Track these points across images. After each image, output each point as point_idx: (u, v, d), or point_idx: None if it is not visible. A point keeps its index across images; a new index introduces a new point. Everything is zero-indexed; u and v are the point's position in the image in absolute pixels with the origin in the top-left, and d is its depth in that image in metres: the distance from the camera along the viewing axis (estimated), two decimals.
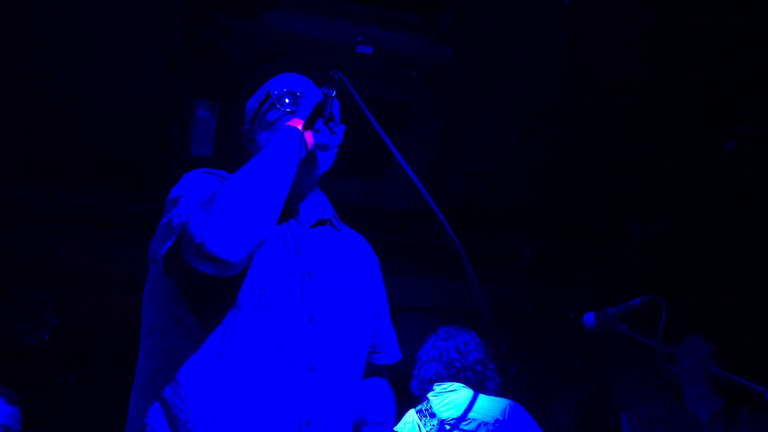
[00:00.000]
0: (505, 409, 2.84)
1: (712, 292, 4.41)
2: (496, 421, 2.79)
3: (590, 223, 4.54)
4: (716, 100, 3.59)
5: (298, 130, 1.60)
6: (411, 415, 3.01)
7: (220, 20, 3.04)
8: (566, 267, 4.73)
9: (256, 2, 2.97)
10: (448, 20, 3.13)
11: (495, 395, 2.99)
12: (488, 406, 2.87)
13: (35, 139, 3.73)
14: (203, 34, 3.10)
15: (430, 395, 3.01)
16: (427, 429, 2.90)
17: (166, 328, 1.58)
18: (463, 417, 2.84)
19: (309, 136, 1.63)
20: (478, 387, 3.01)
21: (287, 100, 1.75)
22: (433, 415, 2.93)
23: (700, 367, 2.89)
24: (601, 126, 3.82)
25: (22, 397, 3.13)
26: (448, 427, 2.85)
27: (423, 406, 3.00)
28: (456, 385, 2.99)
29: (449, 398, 2.95)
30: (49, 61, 3.28)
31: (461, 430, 2.82)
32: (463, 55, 3.26)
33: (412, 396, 3.12)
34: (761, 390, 1.90)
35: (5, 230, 4.03)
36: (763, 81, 3.40)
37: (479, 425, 2.80)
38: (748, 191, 4.06)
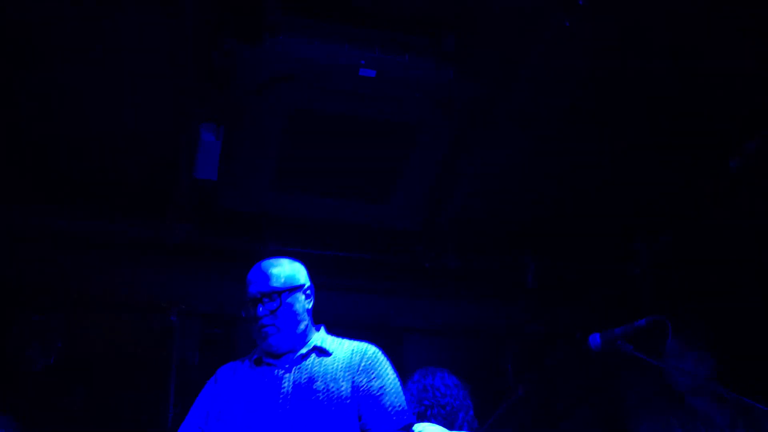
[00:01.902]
0: None
1: (720, 312, 4.39)
2: None
3: (597, 243, 4.53)
4: (722, 117, 3.59)
5: None
6: None
7: (226, 45, 3.08)
8: (573, 286, 4.71)
9: (261, 27, 3.00)
10: (450, 42, 3.15)
11: (468, 420, 3.01)
12: None
13: (40, 162, 3.76)
14: (209, 59, 3.13)
15: None
16: None
17: None
18: None
19: None
20: (449, 418, 3.01)
21: (250, 301, 2.45)
22: None
23: (704, 385, 2.85)
24: (607, 145, 3.82)
25: (24, 421, 3.11)
26: None
27: None
28: (423, 425, 2.98)
29: None
30: (58, 87, 3.32)
31: None
32: (466, 77, 3.28)
33: None
34: (766, 410, 1.89)
35: (11, 254, 4.05)
36: None
37: None
38: (756, 209, 4.05)
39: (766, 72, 3.29)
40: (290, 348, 2.39)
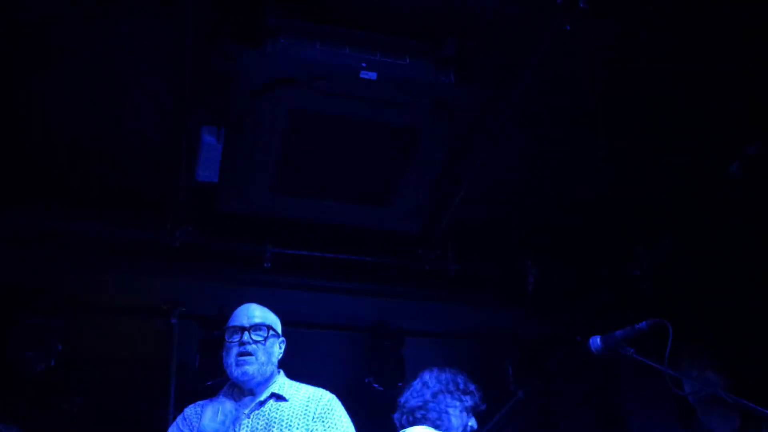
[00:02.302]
0: None
1: (720, 314, 4.38)
2: None
3: (597, 246, 4.52)
4: (723, 121, 3.59)
5: None
6: None
7: (226, 47, 3.08)
8: (573, 289, 4.71)
9: (262, 30, 3.00)
10: (451, 46, 3.15)
11: (462, 414, 2.97)
12: None
13: (40, 165, 3.75)
14: (209, 61, 3.13)
15: None
16: None
17: None
18: None
19: None
20: (440, 419, 2.95)
21: (228, 336, 2.65)
22: None
23: (707, 390, 2.84)
24: (607, 148, 3.82)
25: (26, 423, 3.10)
26: None
27: None
28: (414, 428, 2.94)
29: None
30: (57, 88, 3.32)
31: None
32: (467, 81, 3.28)
33: None
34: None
35: (11, 257, 4.04)
36: None
37: None
38: (756, 213, 4.04)
39: (766, 75, 3.28)
40: (257, 384, 2.56)
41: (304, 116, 3.40)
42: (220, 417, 2.44)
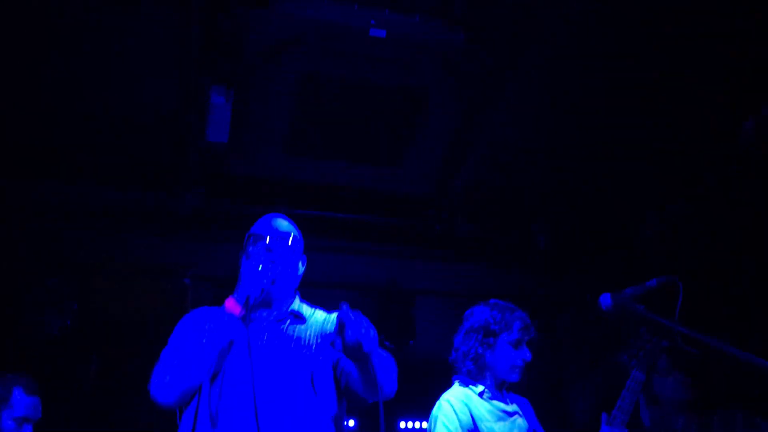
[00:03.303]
0: None
1: (730, 277, 4.38)
2: None
3: (608, 208, 4.52)
4: (735, 82, 3.55)
5: (231, 314, 2.26)
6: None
7: (233, 8, 3.06)
8: (584, 252, 4.72)
9: None
10: (462, 5, 3.11)
11: (473, 368, 2.87)
12: None
13: (52, 132, 3.77)
14: (218, 23, 3.12)
15: None
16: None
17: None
18: None
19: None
20: (456, 372, 2.92)
21: (252, 241, 2.42)
22: None
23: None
24: (619, 110, 3.79)
25: (43, 384, 3.15)
26: None
27: None
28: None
29: None
30: (66, 55, 3.31)
31: None
32: (477, 39, 3.24)
33: None
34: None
35: (27, 223, 4.09)
36: None
37: None
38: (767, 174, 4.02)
39: None
40: (276, 297, 2.38)
41: (313, 76, 3.39)
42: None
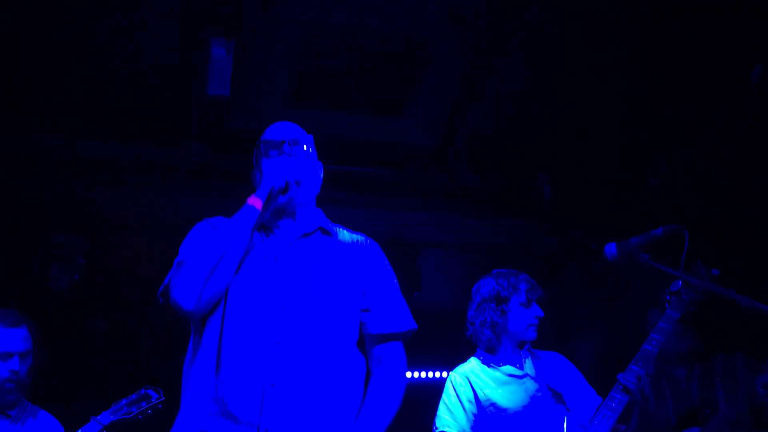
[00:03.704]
0: None
1: (737, 226, 4.36)
2: None
3: (615, 157, 4.48)
4: (746, 28, 3.48)
5: (252, 207, 2.08)
6: None
7: None
8: (590, 201, 4.69)
9: None
10: None
11: (492, 335, 3.01)
12: None
13: (54, 89, 3.74)
14: None
15: None
16: None
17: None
18: None
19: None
20: (476, 343, 3.08)
21: (267, 149, 2.21)
22: None
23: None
24: (626, 58, 3.73)
25: (50, 338, 3.14)
26: None
27: None
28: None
29: None
30: (65, 13, 3.26)
31: None
32: None
33: None
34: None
35: (32, 178, 4.08)
36: None
37: None
38: None
39: None
40: (300, 207, 2.17)
41: (314, 26, 3.33)
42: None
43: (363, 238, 2.29)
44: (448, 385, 2.96)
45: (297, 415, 1.90)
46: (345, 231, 2.28)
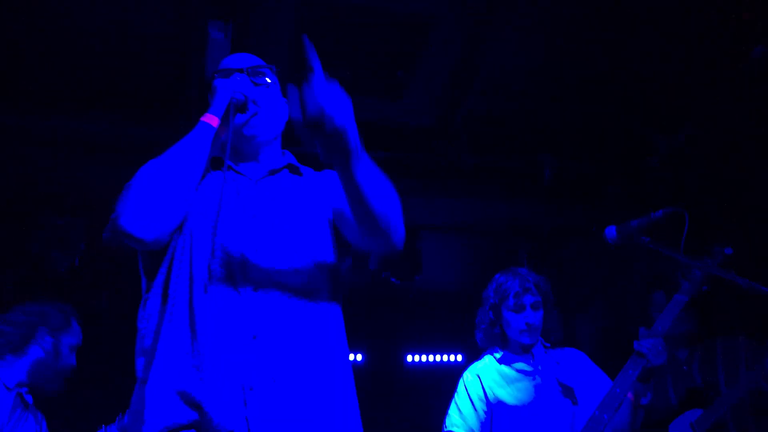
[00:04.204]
0: None
1: (738, 205, 4.36)
2: None
3: (614, 136, 4.46)
4: (747, 6, 3.44)
5: (208, 125, 1.85)
6: None
7: None
8: (590, 181, 4.68)
9: None
10: None
11: (493, 337, 3.05)
12: None
13: (51, 69, 3.72)
14: None
15: None
16: None
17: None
18: None
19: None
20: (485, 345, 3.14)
21: (219, 77, 2.00)
22: None
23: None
24: (625, 36, 3.70)
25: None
26: None
27: None
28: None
29: None
30: None
31: None
32: None
33: None
34: None
35: (30, 160, 4.07)
36: None
37: None
38: None
39: None
40: (263, 145, 1.94)
41: (314, 4, 3.29)
42: None
43: (326, 174, 2.02)
44: (460, 383, 2.99)
45: (283, 376, 1.68)
46: (311, 170, 2.03)
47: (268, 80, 1.99)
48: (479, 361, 3.04)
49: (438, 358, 6.14)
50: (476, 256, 5.48)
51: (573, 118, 4.35)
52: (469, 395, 2.92)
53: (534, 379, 2.91)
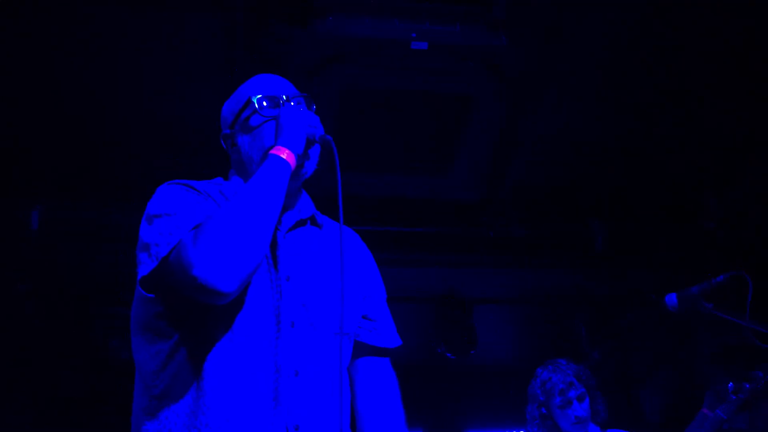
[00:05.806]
0: None
1: None
2: None
3: (666, 199, 4.40)
4: None
5: (287, 162, 1.60)
6: None
7: (276, 30, 3.09)
8: (644, 246, 4.60)
9: (310, 9, 3.00)
10: (501, 8, 3.09)
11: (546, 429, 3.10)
12: None
13: (104, 159, 3.86)
14: (260, 46, 3.16)
15: None
16: None
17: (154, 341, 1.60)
18: None
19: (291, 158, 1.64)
20: None
21: (265, 104, 1.72)
22: None
23: None
24: (669, 98, 3.70)
25: (118, 410, 3.22)
26: None
27: None
28: None
29: None
30: (117, 78, 3.40)
31: None
32: (519, 42, 3.21)
33: None
34: None
35: (88, 250, 4.18)
36: None
37: None
38: None
39: None
40: (297, 188, 1.74)
41: (356, 93, 3.40)
42: None
43: (351, 231, 1.91)
44: None
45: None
46: (327, 218, 1.88)
47: (312, 108, 1.80)
48: None
49: None
50: (532, 328, 5.38)
51: (622, 183, 4.32)
52: None
53: None
